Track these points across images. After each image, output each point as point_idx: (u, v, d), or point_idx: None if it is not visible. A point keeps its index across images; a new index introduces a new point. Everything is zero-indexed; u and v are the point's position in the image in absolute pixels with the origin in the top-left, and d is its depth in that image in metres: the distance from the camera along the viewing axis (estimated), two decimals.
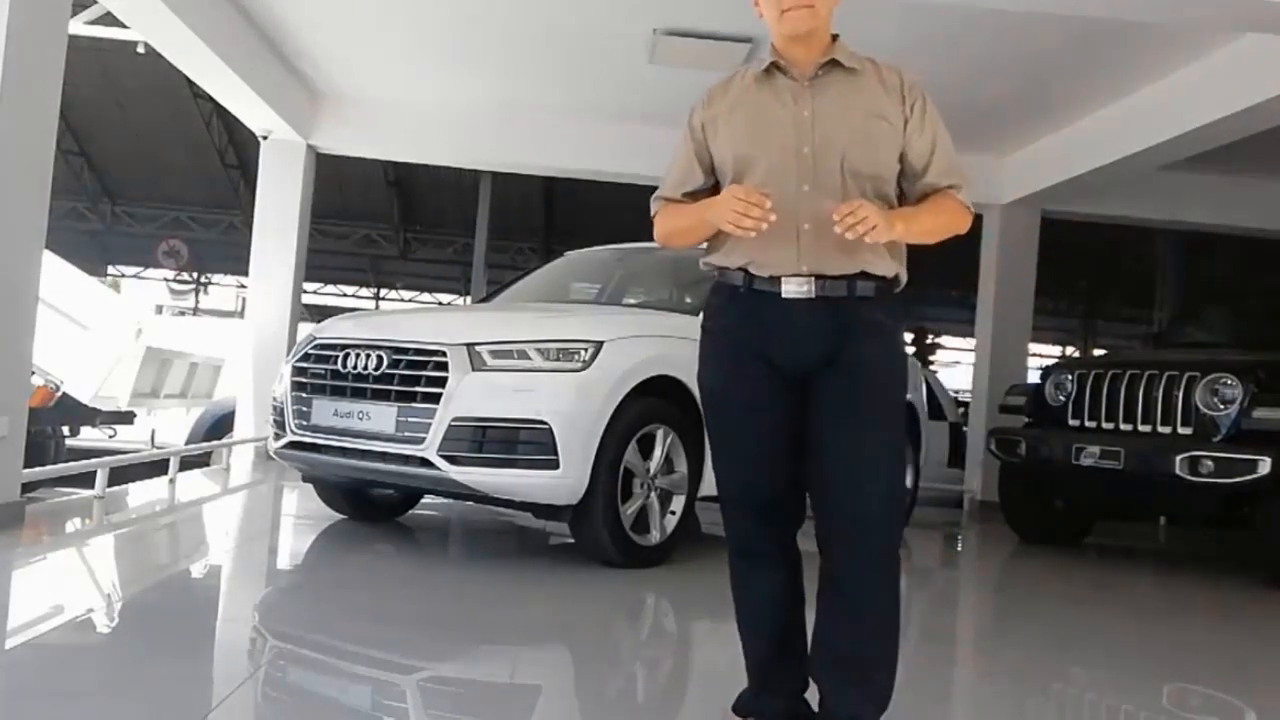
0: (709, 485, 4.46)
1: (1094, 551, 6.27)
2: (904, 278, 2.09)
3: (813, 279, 1.99)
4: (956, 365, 21.34)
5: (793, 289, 2.00)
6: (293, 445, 4.36)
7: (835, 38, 2.09)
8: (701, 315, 2.18)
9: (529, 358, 3.99)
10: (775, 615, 2.13)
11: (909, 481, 6.05)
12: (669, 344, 4.35)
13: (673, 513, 4.31)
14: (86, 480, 5.34)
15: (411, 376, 4.01)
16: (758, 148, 2.04)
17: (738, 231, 1.95)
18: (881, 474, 1.97)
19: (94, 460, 5.35)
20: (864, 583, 1.99)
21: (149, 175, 16.49)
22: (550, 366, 3.97)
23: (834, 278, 1.99)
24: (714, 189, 2.14)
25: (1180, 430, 5.19)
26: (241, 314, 13.61)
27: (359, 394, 4.12)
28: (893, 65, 2.09)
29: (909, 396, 2.56)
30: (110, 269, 20.57)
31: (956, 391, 11.41)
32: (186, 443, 9.79)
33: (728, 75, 2.18)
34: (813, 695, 2.16)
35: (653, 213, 2.23)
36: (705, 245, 2.16)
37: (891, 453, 2.02)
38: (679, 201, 2.18)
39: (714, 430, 2.13)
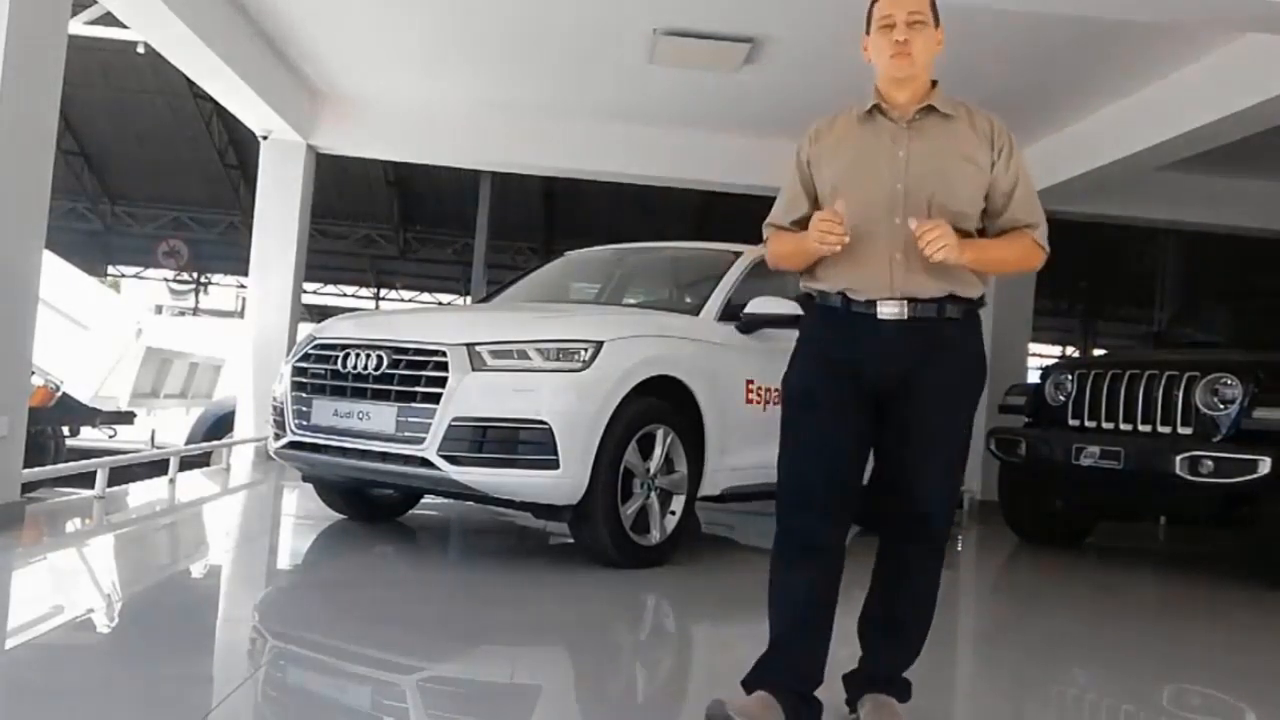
0: (709, 485, 4.47)
1: (1094, 551, 6.27)
2: (988, 298, 2.34)
3: (905, 302, 2.20)
4: None
5: (888, 311, 2.20)
6: (293, 445, 4.36)
7: (934, 84, 2.30)
8: (798, 330, 2.40)
9: (529, 358, 3.99)
10: (805, 607, 2.23)
11: None
12: (669, 344, 4.36)
13: (673, 513, 4.30)
14: (86, 480, 5.35)
15: (411, 376, 4.01)
16: (856, 182, 2.24)
17: (824, 249, 2.17)
18: (945, 482, 2.26)
19: (94, 460, 5.35)
20: (917, 570, 2.29)
21: (149, 175, 16.48)
22: (550, 366, 3.97)
23: (925, 300, 2.20)
24: None
25: (1180, 430, 5.18)
26: (241, 314, 13.61)
27: (359, 394, 4.12)
28: (985, 112, 2.31)
29: None
30: (110, 269, 20.53)
31: None
32: (186, 443, 9.80)
33: (833, 113, 2.37)
34: (822, 691, 2.20)
35: (764, 238, 2.44)
36: (804, 270, 2.35)
37: (955, 464, 2.28)
38: (787, 229, 2.37)
39: (791, 428, 2.28)
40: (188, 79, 7.70)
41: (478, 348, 3.99)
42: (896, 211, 2.19)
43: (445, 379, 3.93)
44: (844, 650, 2.35)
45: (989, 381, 8.57)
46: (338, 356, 4.23)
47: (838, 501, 2.22)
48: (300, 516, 5.41)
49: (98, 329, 8.67)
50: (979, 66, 6.26)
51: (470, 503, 4.76)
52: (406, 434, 3.95)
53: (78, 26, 8.48)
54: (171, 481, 5.88)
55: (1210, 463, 4.90)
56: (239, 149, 15.02)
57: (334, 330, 4.49)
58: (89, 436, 9.24)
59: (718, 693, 2.15)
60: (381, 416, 4.03)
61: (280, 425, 4.44)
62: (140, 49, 9.93)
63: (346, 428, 4.12)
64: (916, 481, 2.22)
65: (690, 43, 6.19)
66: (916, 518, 2.24)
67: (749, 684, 2.21)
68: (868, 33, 2.30)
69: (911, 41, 2.21)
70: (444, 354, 3.98)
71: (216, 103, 8.43)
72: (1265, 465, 4.75)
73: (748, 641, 2.37)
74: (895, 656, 2.31)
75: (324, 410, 4.23)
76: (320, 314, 13.93)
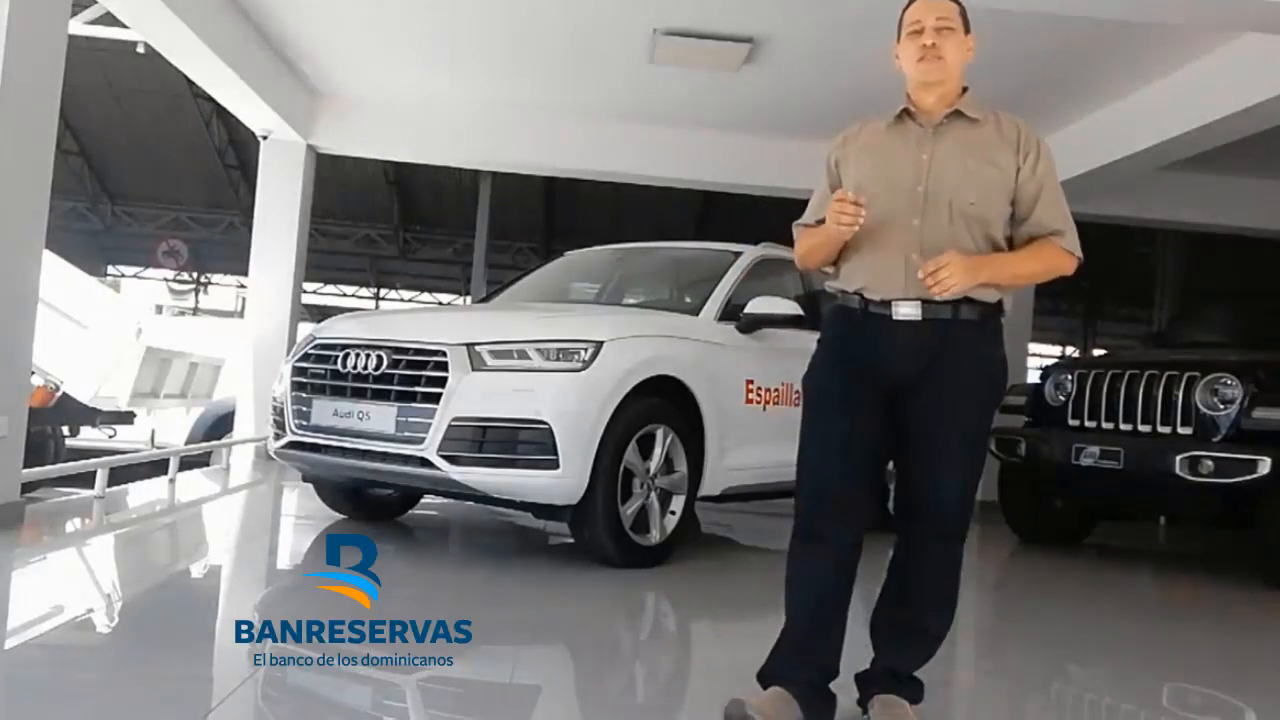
0: (709, 485, 4.47)
1: (1094, 551, 6.27)
2: (1008, 305, 2.31)
3: (919, 303, 2.21)
4: None
5: (903, 312, 2.23)
6: (293, 445, 4.36)
7: (965, 90, 2.34)
8: (819, 332, 2.43)
9: (529, 358, 3.99)
10: (824, 596, 2.28)
11: None
12: (669, 344, 4.36)
13: (673, 513, 4.30)
14: (86, 480, 5.34)
15: (411, 376, 4.01)
16: (879, 184, 2.27)
17: (842, 230, 2.19)
18: (959, 481, 2.25)
19: (94, 460, 5.34)
20: (933, 570, 2.28)
21: (149, 175, 16.47)
22: (550, 366, 3.96)
23: (939, 303, 2.20)
24: None
25: (1180, 430, 5.18)
26: (241, 314, 13.60)
27: (359, 394, 4.12)
28: (1014, 118, 2.33)
29: None
30: (110, 269, 20.54)
31: None
32: (186, 443, 9.79)
33: (863, 120, 2.42)
34: (837, 683, 2.22)
35: (795, 237, 2.48)
36: (830, 270, 2.39)
37: (969, 465, 2.26)
38: (813, 227, 2.41)
39: (809, 426, 2.33)
40: (188, 79, 7.70)
41: (478, 348, 3.98)
42: (916, 213, 2.22)
43: (445, 379, 3.93)
44: (858, 650, 2.35)
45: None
46: (338, 356, 4.23)
47: (853, 499, 2.26)
48: (300, 516, 5.41)
49: (98, 329, 8.66)
50: (978, 68, 6.25)
51: (470, 503, 4.75)
52: (406, 434, 3.95)
53: (78, 26, 8.47)
54: (171, 481, 5.88)
55: (1210, 463, 4.90)
56: (239, 149, 15.02)
57: (334, 330, 4.49)
58: (89, 436, 9.23)
59: (718, 692, 2.15)
60: (381, 416, 4.02)
61: (280, 425, 4.43)
62: (140, 49, 9.92)
63: (346, 428, 4.12)
64: (928, 480, 2.24)
65: (690, 43, 6.19)
66: (930, 517, 2.25)
67: (764, 678, 2.26)
68: (899, 40, 2.34)
69: (940, 46, 2.26)
70: (444, 354, 3.97)
71: (216, 103, 8.42)
72: (1265, 465, 4.75)
73: (748, 641, 2.38)
74: (908, 656, 2.31)
75: (324, 410, 4.23)
76: (320, 314, 13.93)
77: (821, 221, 2.34)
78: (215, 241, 18.25)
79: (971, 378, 2.24)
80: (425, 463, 3.90)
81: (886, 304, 2.23)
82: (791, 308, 4.62)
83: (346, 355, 4.20)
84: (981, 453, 2.31)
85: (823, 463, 2.27)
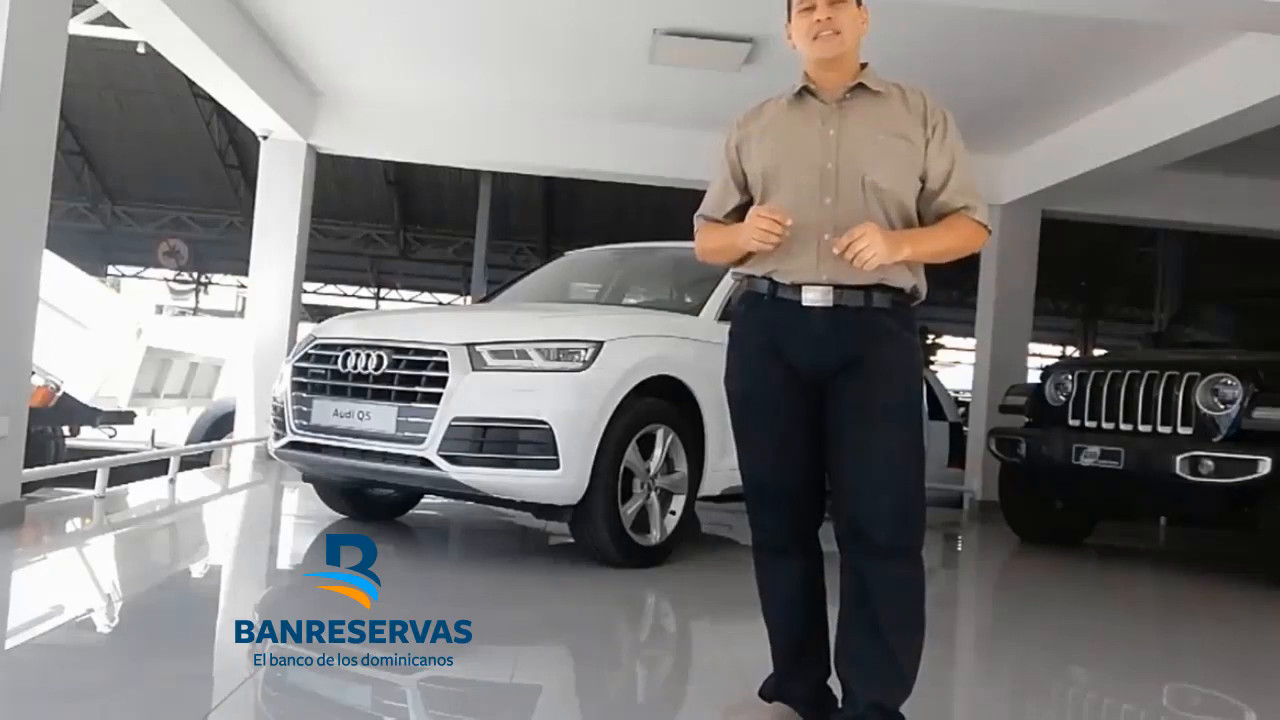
0: (709, 485, 4.47)
1: (1094, 551, 6.27)
2: (923, 290, 2.20)
3: (831, 288, 2.09)
4: (956, 365, 21.33)
5: (812, 297, 2.11)
6: (293, 445, 4.36)
7: (864, 66, 2.20)
8: (730, 323, 2.33)
9: (529, 358, 3.99)
10: (795, 606, 2.24)
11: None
12: (669, 344, 4.36)
13: (673, 513, 4.31)
14: (86, 480, 5.34)
15: (412, 376, 4.01)
16: (786, 163, 2.16)
17: (760, 248, 2.11)
18: (893, 474, 2.06)
19: (94, 460, 5.34)
20: (878, 579, 2.06)
21: (149, 175, 16.50)
22: (550, 366, 3.97)
23: (852, 288, 2.09)
24: (750, 206, 2.23)
25: (1180, 430, 5.19)
26: (241, 314, 13.61)
27: (359, 394, 4.12)
28: (917, 88, 2.20)
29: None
30: (110, 269, 20.55)
31: (956, 391, 11.40)
32: (186, 443, 9.79)
33: (760, 100, 2.29)
34: (835, 681, 2.19)
35: (695, 230, 2.37)
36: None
37: (904, 454, 2.08)
38: (718, 221, 2.31)
39: (737, 430, 2.25)
40: (188, 79, 7.70)
41: (478, 347, 3.98)
42: (828, 191, 2.11)
43: (445, 379, 3.93)
44: None
45: (988, 381, 8.57)
46: (338, 356, 4.23)
47: (797, 501, 2.18)
48: (300, 516, 5.41)
49: (98, 329, 8.66)
50: (978, 69, 6.27)
51: (470, 503, 4.75)
52: (407, 434, 3.95)
53: (78, 26, 8.47)
54: (171, 481, 5.87)
55: (1210, 463, 4.91)
56: (239, 149, 15.04)
57: (334, 330, 4.49)
58: (89, 436, 9.23)
59: (718, 692, 2.15)
60: (382, 416, 4.02)
61: (280, 425, 4.43)
62: (140, 49, 9.93)
63: (347, 428, 4.12)
64: (851, 488, 2.07)
65: (690, 43, 6.19)
66: (860, 531, 2.06)
67: (766, 695, 2.27)
68: (789, 19, 2.21)
69: (835, 20, 2.12)
70: (444, 354, 3.97)
71: (216, 103, 8.42)
72: (1265, 465, 4.76)
73: (748, 641, 2.38)
74: (871, 693, 2.05)
75: (324, 410, 4.22)
76: (320, 314, 13.93)
77: (730, 216, 2.26)
78: (215, 241, 18.30)
79: (894, 371, 2.09)
80: (425, 463, 3.90)
81: (797, 288, 2.11)
82: None
83: (347, 355, 4.20)
84: (914, 455, 2.10)
85: (760, 470, 2.20)
